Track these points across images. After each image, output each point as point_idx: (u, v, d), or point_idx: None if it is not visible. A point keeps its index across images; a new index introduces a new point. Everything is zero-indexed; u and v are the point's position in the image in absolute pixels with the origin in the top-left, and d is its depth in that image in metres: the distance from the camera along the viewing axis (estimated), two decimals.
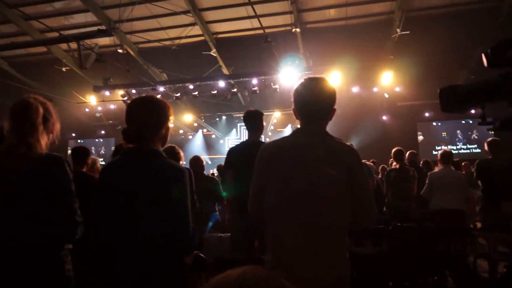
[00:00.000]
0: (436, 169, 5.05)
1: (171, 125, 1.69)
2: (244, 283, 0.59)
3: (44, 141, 1.59)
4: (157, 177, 1.52)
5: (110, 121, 15.89)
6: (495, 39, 1.68)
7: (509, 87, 1.62)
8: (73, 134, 16.99)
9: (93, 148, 16.89)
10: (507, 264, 1.81)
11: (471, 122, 13.22)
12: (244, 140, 3.30)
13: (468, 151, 13.31)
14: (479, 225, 4.72)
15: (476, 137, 13.21)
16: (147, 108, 1.62)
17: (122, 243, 1.51)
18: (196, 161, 4.24)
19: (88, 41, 10.51)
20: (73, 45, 10.16)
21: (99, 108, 14.14)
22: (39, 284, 1.47)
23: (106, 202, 1.57)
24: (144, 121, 1.59)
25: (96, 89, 12.03)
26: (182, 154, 3.52)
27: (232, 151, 3.23)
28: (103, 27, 9.74)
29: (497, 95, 1.67)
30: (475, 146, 13.27)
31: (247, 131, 3.28)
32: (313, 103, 1.67)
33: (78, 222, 1.54)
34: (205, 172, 5.04)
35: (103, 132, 17.08)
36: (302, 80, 1.74)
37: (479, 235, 4.33)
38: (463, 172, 6.14)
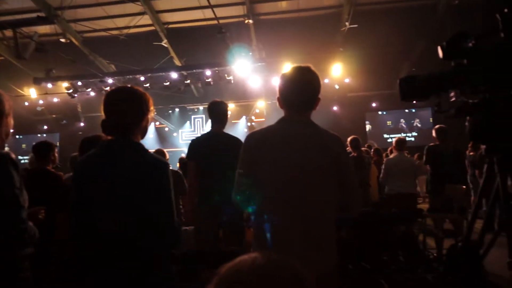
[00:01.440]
0: (391, 156, 5.35)
1: (156, 118, 1.63)
2: (261, 268, 0.59)
3: None
4: (141, 170, 1.48)
5: (54, 115, 14.86)
6: (434, 34, 1.81)
7: (461, 78, 1.76)
8: (11, 130, 15.67)
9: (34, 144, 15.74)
10: (460, 239, 1.98)
11: (414, 111, 14.13)
12: (208, 131, 3.25)
13: (412, 138, 14.23)
14: (425, 206, 5.11)
15: (418, 125, 14.15)
16: (129, 98, 1.55)
17: (107, 239, 1.44)
18: (160, 155, 4.14)
19: (26, 29, 9.72)
20: (8, 32, 9.37)
21: (41, 102, 13.16)
22: None
23: (86, 197, 1.48)
24: (126, 112, 1.53)
25: (37, 81, 11.18)
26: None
27: (194, 142, 3.17)
28: (43, 14, 9.05)
29: (451, 85, 1.81)
30: (416, 134, 14.23)
31: (210, 122, 3.21)
32: (299, 93, 1.68)
33: (22, 229, 1.42)
34: None
35: (45, 127, 15.94)
36: (289, 69, 1.74)
37: (427, 216, 4.68)
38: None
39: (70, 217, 1.49)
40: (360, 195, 1.71)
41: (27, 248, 1.48)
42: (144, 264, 1.43)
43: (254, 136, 1.71)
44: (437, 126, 4.84)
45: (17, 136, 15.40)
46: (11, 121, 1.55)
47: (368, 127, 14.60)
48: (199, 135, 3.39)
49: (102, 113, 1.54)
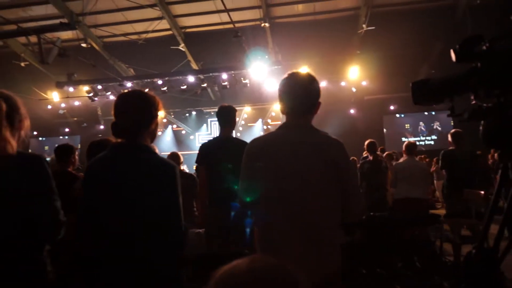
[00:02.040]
0: (401, 160, 5.26)
1: (164, 119, 1.67)
2: (256, 271, 0.60)
3: (14, 139, 1.51)
4: (149, 172, 1.50)
5: (75, 118, 15.28)
6: (452, 35, 1.78)
7: (475, 81, 1.72)
8: (35, 133, 16.21)
9: (56, 146, 16.19)
10: (475, 245, 1.94)
11: (433, 113, 13.85)
12: (216, 136, 3.30)
13: (432, 142, 13.94)
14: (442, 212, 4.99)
15: (438, 128, 13.85)
16: (138, 102, 1.58)
17: (114, 240, 1.47)
18: (174, 158, 4.22)
19: (49, 35, 10.05)
20: (33, 38, 9.70)
21: (63, 105, 13.56)
22: (21, 285, 1.42)
23: (95, 199, 1.52)
24: (135, 115, 1.56)
25: (59, 85, 11.53)
26: (157, 150, 3.46)
27: (204, 147, 3.23)
28: (65, 20, 9.34)
29: (465, 89, 1.78)
30: (436, 137, 13.92)
31: (219, 127, 3.27)
32: (300, 98, 1.69)
33: (62, 222, 1.48)
34: None
35: (67, 129, 16.39)
36: (288, 75, 1.75)
37: (444, 222, 4.58)
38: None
39: (77, 218, 1.53)
40: (361, 200, 1.70)
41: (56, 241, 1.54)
42: (149, 267, 1.45)
43: (255, 143, 1.73)
44: (452, 131, 4.75)
45: (40, 138, 15.89)
46: (28, 124, 1.62)
47: (385, 130, 14.38)
48: (211, 139, 3.44)
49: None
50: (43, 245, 1.50)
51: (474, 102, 1.86)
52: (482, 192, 4.16)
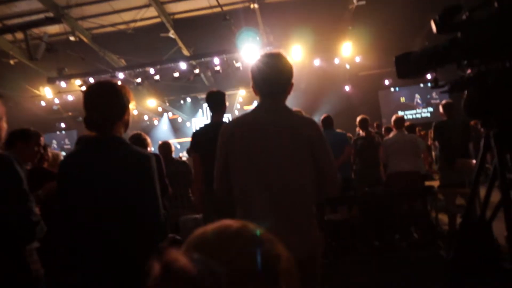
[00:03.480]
0: (391, 135, 5.26)
1: (134, 110, 1.65)
2: (221, 234, 0.61)
3: None
4: (123, 165, 1.49)
5: (70, 113, 15.22)
6: (446, 6, 1.77)
7: (456, 51, 1.72)
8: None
9: (54, 142, 16.19)
10: (463, 213, 1.98)
11: (429, 85, 13.78)
12: (208, 122, 3.31)
13: (428, 114, 13.94)
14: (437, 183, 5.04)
15: (435, 101, 13.82)
16: (108, 93, 1.55)
17: (91, 235, 1.47)
18: (164, 146, 4.24)
19: (36, 30, 9.90)
20: (19, 35, 9.55)
21: (56, 101, 13.46)
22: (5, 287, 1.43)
23: (70, 194, 1.51)
24: (106, 107, 1.53)
25: (51, 81, 11.42)
26: (149, 140, 3.48)
27: (196, 134, 3.25)
28: (51, 14, 9.18)
29: (447, 60, 1.78)
30: (430, 109, 13.91)
31: (210, 113, 3.29)
32: (272, 79, 1.70)
33: (34, 222, 1.47)
34: (174, 156, 5.01)
35: (63, 125, 16.35)
36: (260, 57, 1.76)
37: (439, 192, 4.64)
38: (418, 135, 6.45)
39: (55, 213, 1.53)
40: (336, 177, 1.72)
41: (34, 242, 1.54)
42: (130, 260, 1.44)
43: (229, 126, 1.75)
44: (443, 102, 4.75)
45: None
46: (4, 125, 1.59)
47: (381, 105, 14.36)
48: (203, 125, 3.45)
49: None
50: (20, 246, 1.49)
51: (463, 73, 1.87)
52: (474, 161, 4.20)
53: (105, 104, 1.53)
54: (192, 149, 3.26)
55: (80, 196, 1.48)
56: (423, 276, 3.40)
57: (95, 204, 1.46)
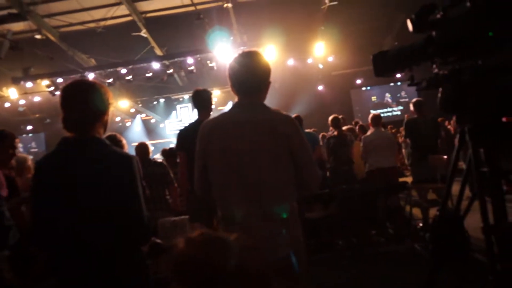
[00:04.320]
0: (369, 133, 5.40)
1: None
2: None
3: None
4: (104, 166, 1.43)
5: (37, 115, 14.62)
6: (415, 6, 1.82)
7: (431, 50, 1.77)
8: None
9: (20, 145, 15.50)
10: (439, 207, 2.04)
11: (399, 84, 14.22)
12: (194, 120, 3.27)
13: (399, 112, 14.36)
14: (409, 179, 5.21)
15: (405, 99, 14.26)
16: (87, 92, 1.49)
17: (72, 240, 1.40)
18: (142, 148, 4.15)
19: None
20: None
21: (22, 102, 12.89)
22: None
23: (48, 198, 1.43)
24: (85, 107, 1.47)
25: (15, 81, 10.93)
26: (125, 141, 3.38)
27: (182, 133, 3.21)
28: (15, 11, 8.77)
29: (422, 58, 1.83)
30: (403, 107, 14.35)
31: (196, 111, 3.25)
32: (249, 77, 1.70)
33: (7, 227, 1.41)
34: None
35: (30, 127, 15.70)
36: (236, 56, 1.76)
37: (412, 188, 4.79)
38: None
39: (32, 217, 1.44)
40: (316, 172, 1.73)
41: (5, 250, 1.46)
42: (112, 264, 1.41)
43: (207, 125, 1.75)
44: (414, 100, 4.92)
45: None
46: None
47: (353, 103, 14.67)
48: (186, 124, 3.41)
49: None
50: None
51: (435, 71, 1.93)
52: (445, 156, 4.36)
53: (84, 104, 1.47)
54: (178, 148, 3.21)
55: (60, 199, 1.41)
56: (400, 269, 3.49)
57: (75, 207, 1.39)
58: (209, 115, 3.23)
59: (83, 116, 1.47)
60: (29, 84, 11.08)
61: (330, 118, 5.62)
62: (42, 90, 11.54)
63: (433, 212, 4.06)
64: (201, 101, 3.21)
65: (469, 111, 1.64)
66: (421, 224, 4.47)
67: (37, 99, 12.53)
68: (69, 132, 1.48)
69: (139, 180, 1.48)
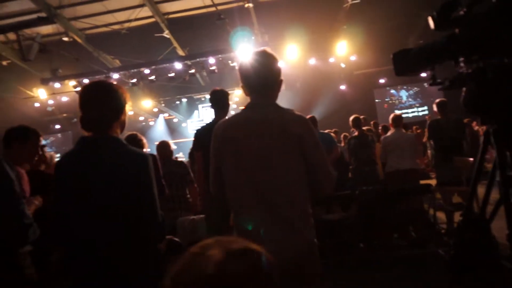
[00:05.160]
0: (389, 133, 5.27)
1: (130, 111, 1.63)
2: (216, 266, 0.58)
3: None
4: (119, 165, 1.46)
5: (64, 114, 15.11)
6: (440, 3, 1.75)
7: (455, 48, 1.70)
8: None
9: (49, 143, 16.08)
10: (462, 212, 1.96)
11: (426, 85, 13.84)
12: (211, 120, 3.28)
13: (421, 113, 13.99)
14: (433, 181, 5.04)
15: (430, 99, 13.87)
16: (105, 93, 1.53)
17: (88, 237, 1.43)
18: (163, 147, 4.20)
19: (28, 31, 9.80)
20: (12, 35, 9.46)
21: (50, 102, 13.36)
22: None
23: (65, 196, 1.48)
24: (103, 107, 1.51)
25: (44, 82, 11.33)
26: (145, 141, 3.44)
27: (199, 133, 3.23)
28: (43, 14, 9.08)
29: (445, 56, 1.76)
30: (425, 108, 13.97)
31: (213, 111, 3.27)
32: (261, 77, 1.69)
33: (27, 225, 1.44)
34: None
35: (58, 126, 16.24)
36: (247, 57, 1.75)
37: (436, 191, 4.64)
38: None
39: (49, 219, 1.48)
40: (330, 172, 1.69)
41: (27, 245, 1.50)
42: (127, 262, 1.42)
43: (220, 125, 1.74)
44: (437, 100, 4.77)
45: None
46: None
47: (377, 102, 14.39)
48: (204, 124, 3.44)
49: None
50: (15, 249, 1.46)
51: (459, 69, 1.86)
52: (471, 158, 4.20)
53: (102, 104, 1.51)
54: (194, 148, 3.24)
55: (77, 197, 1.45)
56: (422, 274, 3.38)
57: (91, 205, 1.43)
58: (226, 115, 3.25)
59: (100, 116, 1.50)
60: (57, 85, 11.46)
61: (351, 118, 5.52)
62: (69, 90, 11.91)
63: (458, 216, 3.92)
64: (218, 101, 3.23)
65: (494, 111, 1.57)
66: (445, 228, 4.33)
67: (64, 99, 12.95)
68: (87, 132, 1.51)
69: (154, 178, 1.50)
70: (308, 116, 5.18)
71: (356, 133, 5.47)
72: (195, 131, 3.29)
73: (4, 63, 10.97)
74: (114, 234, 1.41)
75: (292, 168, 1.60)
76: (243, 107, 1.78)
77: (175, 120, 16.73)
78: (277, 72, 1.73)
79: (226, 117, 1.95)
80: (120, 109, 1.55)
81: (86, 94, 1.53)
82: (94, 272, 1.41)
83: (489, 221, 1.83)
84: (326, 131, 5.88)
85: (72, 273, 1.45)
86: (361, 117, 5.73)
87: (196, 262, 0.57)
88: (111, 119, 1.52)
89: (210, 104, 3.29)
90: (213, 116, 3.29)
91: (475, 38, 1.60)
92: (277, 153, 1.60)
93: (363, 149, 5.27)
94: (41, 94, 11.97)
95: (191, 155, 5.22)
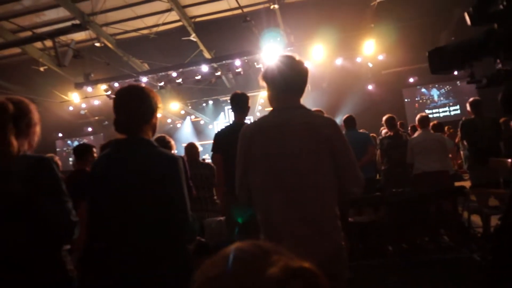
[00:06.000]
0: (416, 134, 5.10)
1: (158, 114, 1.67)
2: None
3: (19, 142, 1.51)
4: (151, 166, 1.50)
5: (96, 117, 15.65)
6: None
7: (494, 43, 1.63)
8: (60, 134, 16.73)
9: (74, 147, 16.67)
10: (501, 216, 1.87)
11: (458, 83, 13.35)
12: (230, 123, 3.33)
13: (452, 113, 13.50)
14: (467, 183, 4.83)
15: (464, 98, 13.35)
16: (137, 97, 1.58)
17: (120, 237, 1.48)
18: (191, 148, 4.27)
19: (63, 38, 10.22)
20: (48, 43, 9.89)
21: (83, 105, 13.88)
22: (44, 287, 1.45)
23: (100, 197, 1.53)
24: (135, 110, 1.56)
25: (78, 86, 11.76)
26: (173, 142, 3.51)
27: (219, 135, 3.28)
28: (77, 22, 9.45)
29: (483, 53, 1.69)
30: (458, 107, 13.46)
31: (233, 114, 3.32)
32: (290, 79, 1.69)
33: (74, 222, 1.48)
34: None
35: (90, 129, 16.84)
36: (273, 61, 1.76)
37: (470, 193, 4.46)
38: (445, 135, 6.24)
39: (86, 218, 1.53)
40: (359, 174, 1.67)
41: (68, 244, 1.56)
42: (157, 261, 1.45)
43: (248, 129, 1.74)
44: (471, 99, 4.57)
45: (68, 142, 16.44)
46: (38, 130, 1.63)
47: (406, 102, 14.00)
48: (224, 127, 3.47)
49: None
50: (59, 246, 1.52)
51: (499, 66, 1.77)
52: (510, 160, 4.00)
53: (134, 108, 1.56)
54: (214, 150, 3.28)
55: (111, 197, 1.50)
56: (454, 280, 3.26)
57: (125, 205, 1.48)
58: (245, 118, 3.30)
59: (132, 118, 1.55)
60: (89, 89, 11.89)
61: (385, 117, 5.36)
62: (101, 94, 12.33)
63: (495, 219, 3.75)
64: (238, 104, 3.27)
65: None
66: (481, 232, 4.15)
67: (96, 102, 13.42)
68: (120, 134, 1.56)
69: (184, 180, 1.52)
70: (345, 116, 5.12)
71: (390, 133, 5.32)
72: (215, 134, 3.34)
73: (41, 69, 11.49)
74: (147, 234, 1.45)
75: (321, 171, 1.60)
76: (269, 109, 1.78)
77: (202, 122, 16.95)
78: (306, 74, 1.74)
79: (251, 120, 1.97)
80: (152, 112, 1.60)
81: (119, 98, 1.59)
82: (126, 269, 1.45)
83: None
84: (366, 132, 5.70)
85: (106, 270, 1.49)
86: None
87: (249, 278, 0.55)
88: (143, 122, 1.57)
89: (231, 106, 3.35)
90: (233, 119, 3.33)
91: None
92: (307, 156, 1.59)
93: (397, 149, 5.10)
94: (74, 98, 12.45)
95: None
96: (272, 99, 1.78)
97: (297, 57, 1.75)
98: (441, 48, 1.79)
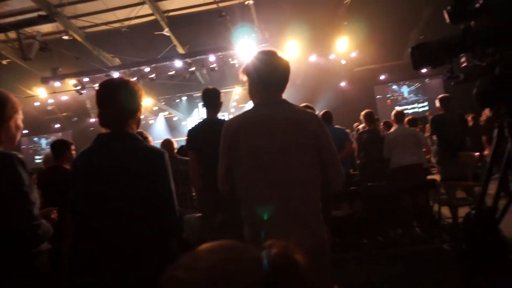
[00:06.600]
0: (392, 129, 5.24)
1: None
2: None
3: None
4: (138, 161, 1.46)
5: (65, 113, 15.07)
6: None
7: (471, 40, 1.70)
8: (26, 131, 15.99)
9: (51, 142, 16.04)
10: (474, 206, 1.95)
11: (427, 81, 13.82)
12: (203, 119, 3.30)
13: (420, 109, 13.99)
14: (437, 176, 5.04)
15: (431, 94, 13.84)
16: (122, 89, 1.53)
17: (105, 232, 1.44)
18: (168, 144, 4.22)
19: (28, 29, 9.76)
20: (12, 34, 9.42)
21: (50, 101, 13.31)
22: None
23: (83, 195, 1.47)
24: (119, 104, 1.51)
25: (44, 81, 11.27)
26: (151, 138, 3.44)
27: (192, 131, 3.24)
28: (44, 13, 9.05)
29: (462, 49, 1.75)
30: (426, 103, 13.96)
31: (205, 110, 3.29)
32: (273, 75, 1.70)
33: (34, 225, 1.41)
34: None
35: (58, 125, 16.19)
36: (257, 54, 1.75)
37: (441, 186, 4.64)
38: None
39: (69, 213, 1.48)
40: (341, 170, 1.71)
41: (42, 244, 1.49)
42: (145, 256, 1.43)
43: (232, 123, 1.73)
44: (440, 96, 4.79)
45: (35, 139, 15.74)
46: (18, 123, 1.54)
47: (378, 98, 14.37)
48: (197, 123, 3.44)
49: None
50: (26, 249, 1.45)
51: (466, 64, 1.84)
52: (477, 153, 4.21)
53: (118, 101, 1.51)
54: (188, 147, 3.24)
55: (95, 193, 1.45)
56: (427, 268, 3.39)
57: (109, 200, 1.43)
58: (217, 113, 3.28)
59: (117, 112, 1.51)
60: (57, 84, 11.41)
61: (364, 112, 5.44)
62: (69, 89, 11.87)
63: (462, 211, 3.93)
64: (210, 99, 3.24)
65: (508, 104, 1.56)
66: (450, 223, 4.33)
67: (64, 98, 12.90)
68: (104, 128, 1.51)
69: (171, 174, 1.49)
70: (323, 111, 5.17)
71: (368, 128, 5.41)
72: (188, 131, 3.30)
73: (4, 62, 10.92)
74: (132, 229, 1.41)
75: (308, 166, 1.62)
76: (244, 106, 1.78)
77: (175, 118, 16.70)
78: (288, 69, 1.75)
79: (225, 116, 1.95)
80: (136, 106, 1.56)
81: (103, 91, 1.54)
82: (111, 265, 1.41)
83: (501, 217, 1.83)
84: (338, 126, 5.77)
85: (88, 266, 1.45)
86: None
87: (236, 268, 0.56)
88: (127, 116, 1.53)
89: (203, 102, 3.30)
90: (206, 115, 3.29)
91: (490, 30, 1.59)
92: (294, 151, 1.60)
93: (375, 144, 5.19)
94: (41, 93, 11.92)
95: (184, 153, 5.21)
96: (253, 94, 1.77)
97: (279, 53, 1.75)
98: (424, 44, 1.84)
